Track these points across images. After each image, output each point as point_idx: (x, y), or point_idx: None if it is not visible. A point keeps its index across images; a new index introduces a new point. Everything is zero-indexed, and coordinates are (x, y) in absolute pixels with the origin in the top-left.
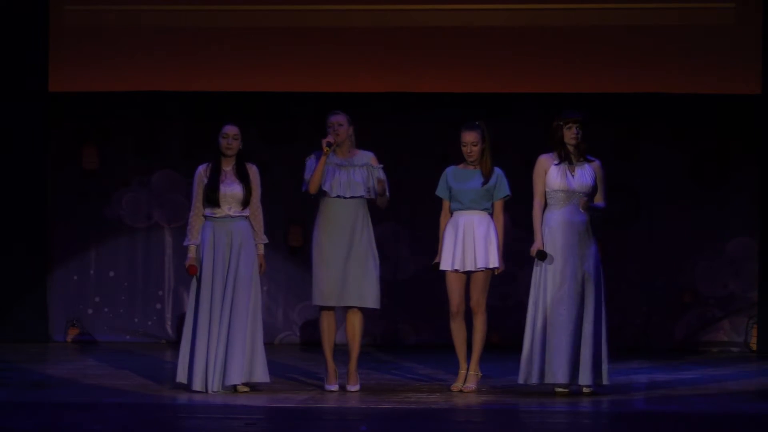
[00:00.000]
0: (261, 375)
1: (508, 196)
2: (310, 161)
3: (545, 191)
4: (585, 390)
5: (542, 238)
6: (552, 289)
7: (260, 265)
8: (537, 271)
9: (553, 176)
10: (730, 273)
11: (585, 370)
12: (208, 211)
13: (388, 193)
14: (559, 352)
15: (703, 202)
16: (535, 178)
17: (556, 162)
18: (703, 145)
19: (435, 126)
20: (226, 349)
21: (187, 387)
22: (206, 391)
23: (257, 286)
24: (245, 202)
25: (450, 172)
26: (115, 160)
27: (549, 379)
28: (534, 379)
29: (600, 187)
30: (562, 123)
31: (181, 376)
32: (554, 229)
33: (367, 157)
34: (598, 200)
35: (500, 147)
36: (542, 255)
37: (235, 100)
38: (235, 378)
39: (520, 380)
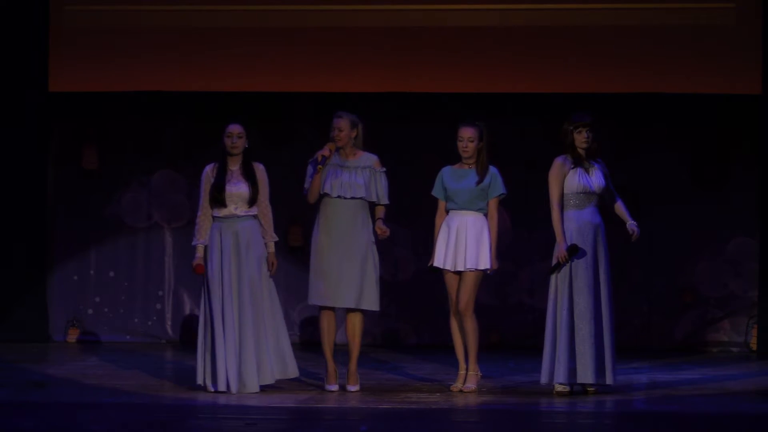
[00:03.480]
0: (293, 370)
1: (503, 194)
2: (311, 166)
3: (564, 193)
4: (589, 390)
5: (565, 240)
6: (569, 282)
7: (272, 264)
8: (553, 278)
9: (573, 179)
10: (730, 273)
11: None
12: (215, 212)
13: (387, 200)
14: (584, 350)
15: (703, 202)
16: (552, 182)
17: (571, 165)
18: (703, 145)
19: (435, 126)
20: (255, 349)
21: (206, 389)
22: (230, 392)
23: (270, 283)
24: (252, 201)
25: (445, 171)
26: (115, 159)
27: (581, 379)
28: (561, 378)
29: (609, 185)
30: (572, 128)
31: (201, 378)
32: (574, 228)
33: (370, 160)
34: (613, 198)
35: (499, 147)
36: (574, 249)
37: (235, 100)
38: (268, 378)
39: (544, 380)
